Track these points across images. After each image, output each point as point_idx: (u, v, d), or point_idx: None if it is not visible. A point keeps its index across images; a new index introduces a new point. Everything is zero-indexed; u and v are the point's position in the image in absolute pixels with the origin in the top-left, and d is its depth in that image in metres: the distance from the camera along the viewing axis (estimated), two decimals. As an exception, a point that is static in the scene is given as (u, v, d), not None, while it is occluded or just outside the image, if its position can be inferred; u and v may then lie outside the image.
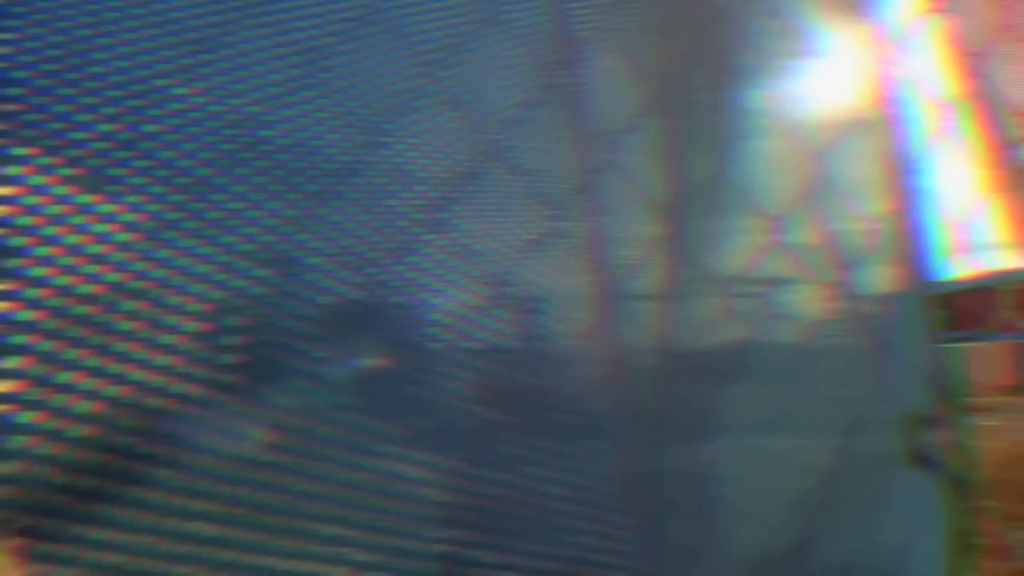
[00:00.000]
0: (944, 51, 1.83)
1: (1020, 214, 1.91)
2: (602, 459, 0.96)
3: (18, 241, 0.69)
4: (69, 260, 0.69)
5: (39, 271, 0.69)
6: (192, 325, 0.80)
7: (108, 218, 0.71)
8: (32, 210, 0.72)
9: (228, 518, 0.89)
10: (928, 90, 1.81)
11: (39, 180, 0.65)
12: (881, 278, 1.25)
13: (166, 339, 0.77)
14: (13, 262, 0.64)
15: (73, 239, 0.72)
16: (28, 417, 0.62)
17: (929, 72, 1.82)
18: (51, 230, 0.69)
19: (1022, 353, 2.20)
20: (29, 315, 0.61)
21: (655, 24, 0.94)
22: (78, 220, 0.70)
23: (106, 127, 0.69)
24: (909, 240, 1.28)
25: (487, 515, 0.86)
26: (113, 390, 0.74)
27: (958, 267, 1.91)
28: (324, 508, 0.90)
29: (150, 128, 0.71)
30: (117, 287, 0.69)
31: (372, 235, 0.79)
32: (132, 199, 0.70)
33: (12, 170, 0.66)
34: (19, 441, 0.62)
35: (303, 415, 0.90)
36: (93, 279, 0.68)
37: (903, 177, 1.36)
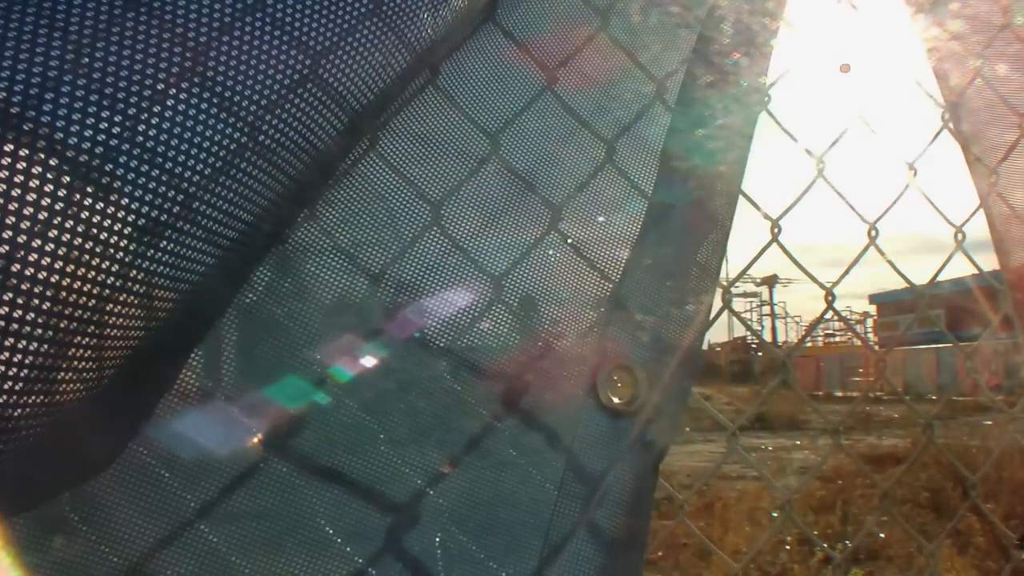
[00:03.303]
0: (933, 55, 1.85)
1: (1011, 214, 1.92)
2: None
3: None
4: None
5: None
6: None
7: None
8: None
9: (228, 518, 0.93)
10: (920, 92, 1.83)
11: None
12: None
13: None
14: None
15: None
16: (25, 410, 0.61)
17: (921, 75, 1.85)
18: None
19: (1018, 353, 2.21)
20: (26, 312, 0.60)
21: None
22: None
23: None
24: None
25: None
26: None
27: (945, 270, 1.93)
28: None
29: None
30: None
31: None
32: None
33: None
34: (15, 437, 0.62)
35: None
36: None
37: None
